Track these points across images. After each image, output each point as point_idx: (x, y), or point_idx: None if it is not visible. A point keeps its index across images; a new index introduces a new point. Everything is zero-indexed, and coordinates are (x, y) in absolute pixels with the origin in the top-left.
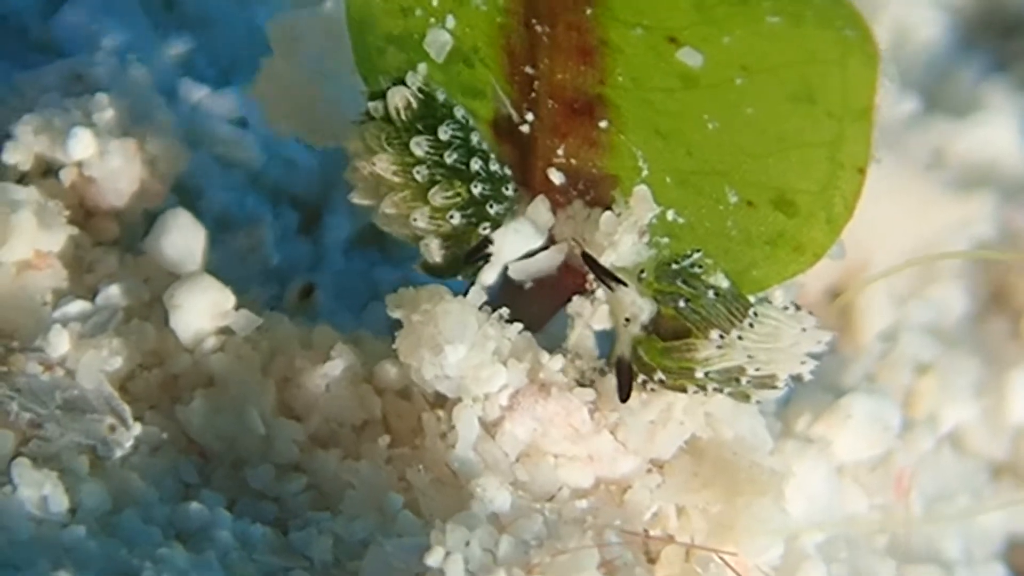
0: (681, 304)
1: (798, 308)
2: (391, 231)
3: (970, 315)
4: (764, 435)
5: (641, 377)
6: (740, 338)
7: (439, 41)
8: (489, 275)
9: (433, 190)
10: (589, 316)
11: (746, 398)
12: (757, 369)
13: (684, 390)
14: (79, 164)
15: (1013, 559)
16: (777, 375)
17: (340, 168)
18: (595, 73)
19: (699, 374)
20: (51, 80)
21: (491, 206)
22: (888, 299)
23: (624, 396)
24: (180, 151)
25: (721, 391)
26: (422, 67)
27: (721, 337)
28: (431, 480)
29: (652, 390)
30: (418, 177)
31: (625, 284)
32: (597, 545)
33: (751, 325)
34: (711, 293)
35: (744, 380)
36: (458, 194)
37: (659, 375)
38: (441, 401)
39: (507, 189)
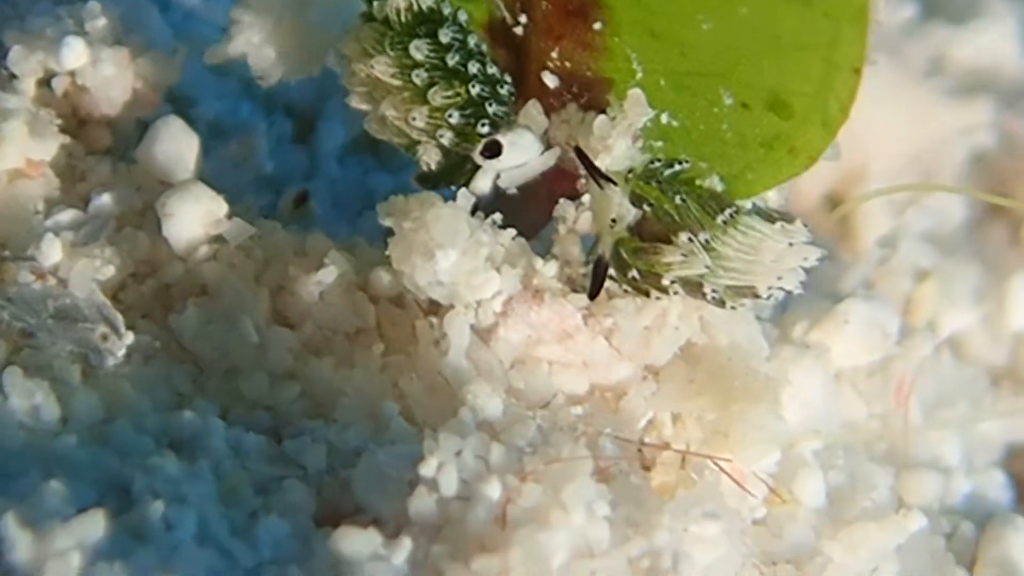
0: (646, 207)
1: (793, 220)
2: (384, 138)
3: (969, 222)
4: (760, 341)
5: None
6: (708, 242)
7: None
8: (483, 182)
9: (433, 90)
10: (573, 220)
11: (721, 304)
12: (732, 279)
13: (648, 294)
14: (71, 73)
15: (1013, 466)
16: (756, 287)
17: (334, 76)
18: None
19: (665, 281)
20: None
21: (489, 105)
22: (887, 206)
23: (594, 293)
24: (172, 60)
25: (694, 295)
26: None
27: (690, 240)
28: (424, 387)
29: (625, 291)
30: (417, 80)
31: (614, 183)
32: (591, 452)
33: (727, 229)
34: (679, 198)
35: (709, 290)
36: (457, 94)
37: (632, 273)
38: (435, 308)
39: (502, 88)
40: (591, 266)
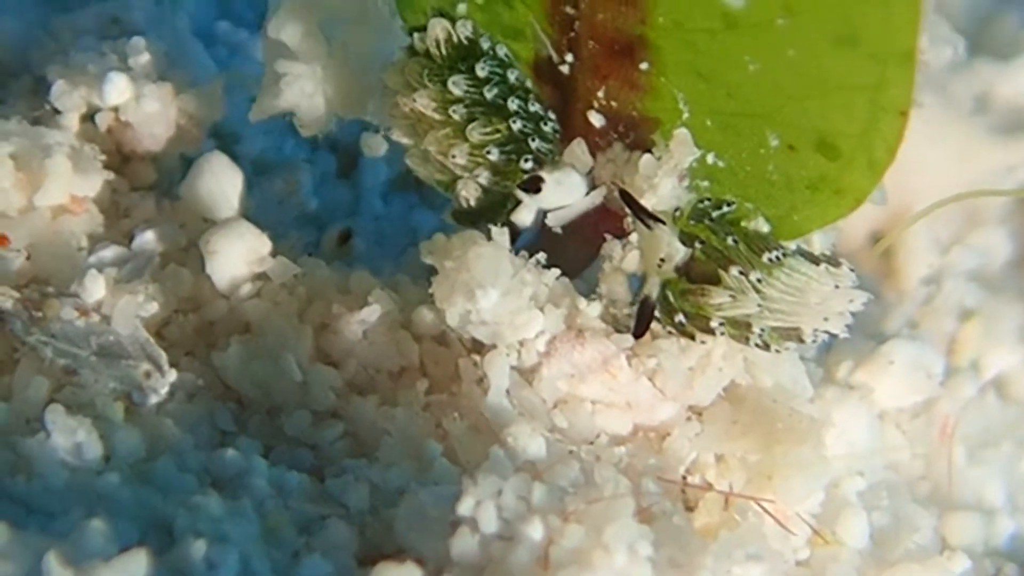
0: (698, 245)
1: (839, 264)
2: (423, 174)
3: (1014, 261)
4: (804, 382)
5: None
6: (760, 282)
7: None
8: (524, 216)
9: (471, 126)
10: (620, 259)
11: (767, 347)
12: (778, 320)
13: (693, 337)
14: (115, 109)
15: None
16: (802, 328)
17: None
18: (636, 13)
19: (714, 323)
20: (88, 23)
21: (532, 140)
22: (931, 245)
23: (639, 333)
24: (217, 96)
25: (740, 340)
26: (462, 7)
27: (741, 274)
28: (467, 427)
29: (669, 332)
30: (456, 116)
31: (663, 222)
32: (634, 492)
33: (773, 271)
34: (731, 239)
35: (757, 332)
36: (497, 130)
37: (679, 318)
38: (479, 347)
39: (546, 125)
40: (637, 306)
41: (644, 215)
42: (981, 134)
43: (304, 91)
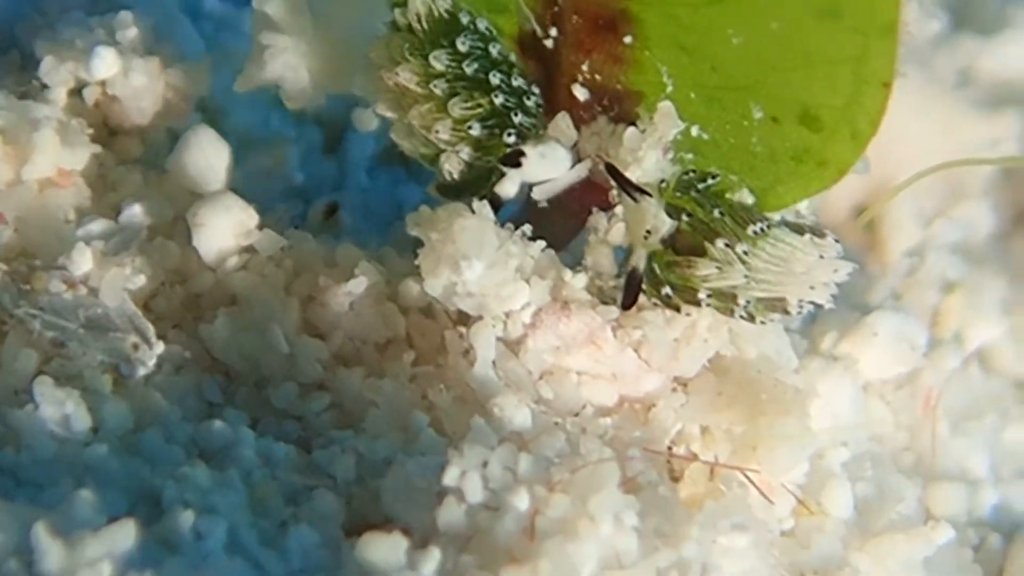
0: (685, 217)
1: (824, 234)
2: (408, 148)
3: (997, 233)
4: (789, 353)
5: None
6: (746, 254)
7: None
8: (507, 187)
9: (453, 101)
10: (605, 231)
11: (752, 318)
12: (764, 291)
13: (679, 310)
14: (102, 83)
15: None
16: (787, 299)
17: None
18: None
19: (701, 294)
20: None
21: (515, 115)
22: (915, 217)
23: (627, 305)
24: (203, 70)
25: (724, 312)
26: None
27: (727, 247)
28: (453, 399)
29: (655, 304)
30: (437, 90)
31: (649, 195)
32: (619, 462)
33: (758, 242)
34: (717, 211)
35: (743, 303)
36: (479, 105)
37: (665, 290)
38: (465, 319)
39: (529, 100)
40: (624, 278)
41: (630, 187)
42: (964, 108)
43: (288, 63)
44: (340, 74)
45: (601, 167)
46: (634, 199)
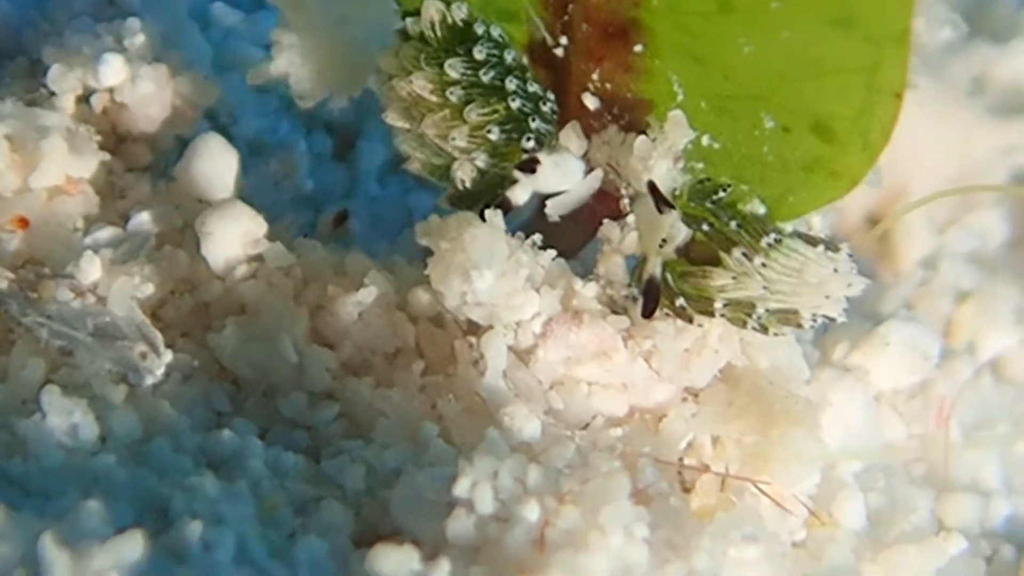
0: (705, 227)
1: (837, 248)
2: (417, 160)
3: (1010, 242)
4: (800, 364)
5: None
6: (764, 265)
7: None
8: (519, 194)
9: (469, 107)
10: (619, 241)
11: (764, 330)
12: (778, 302)
13: (691, 320)
14: (110, 90)
15: None
16: (799, 311)
17: (374, 94)
18: None
19: (717, 304)
20: (83, 5)
21: (532, 120)
22: (927, 226)
23: (648, 314)
24: (212, 78)
25: (737, 323)
26: None
27: (744, 257)
28: (463, 409)
29: (667, 314)
30: (453, 98)
31: (673, 207)
32: (630, 473)
33: (771, 253)
34: (734, 223)
35: (760, 313)
36: (495, 111)
37: (680, 301)
38: (474, 328)
39: (545, 105)
40: (643, 286)
41: (661, 201)
42: (978, 115)
43: (293, 61)
44: (351, 77)
45: (612, 176)
46: (661, 211)
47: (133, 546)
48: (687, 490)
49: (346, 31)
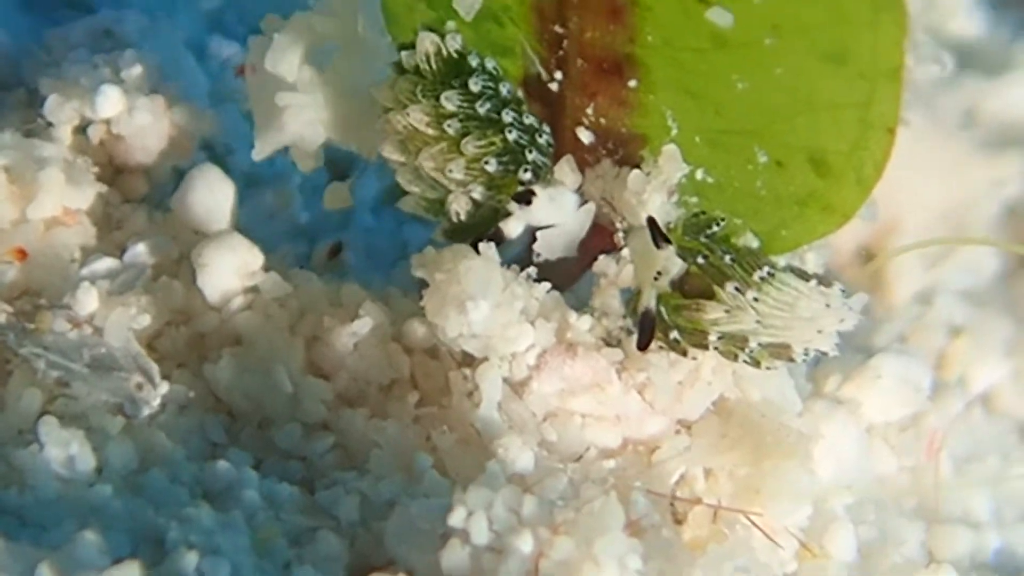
0: (700, 260)
1: (830, 284)
2: (412, 196)
3: (1002, 274)
4: (793, 396)
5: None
6: (756, 300)
7: (468, 1)
8: (513, 227)
9: (466, 140)
10: (615, 275)
11: (756, 364)
12: (771, 336)
13: (685, 354)
14: (107, 121)
15: None
16: (791, 345)
17: None
18: (625, 32)
19: (711, 337)
20: (80, 36)
21: (529, 151)
22: (919, 259)
23: (643, 346)
24: (208, 109)
25: (729, 356)
26: (451, 24)
27: (737, 291)
28: (456, 440)
29: (660, 347)
30: (450, 130)
31: (671, 243)
32: (623, 505)
33: (764, 287)
34: (728, 258)
35: (752, 347)
36: (492, 143)
37: (674, 334)
38: (469, 360)
39: (541, 137)
40: (638, 319)
41: (659, 236)
42: (969, 149)
43: (308, 121)
44: (351, 127)
45: (605, 210)
46: (659, 246)
47: None
48: (679, 522)
49: (344, 83)
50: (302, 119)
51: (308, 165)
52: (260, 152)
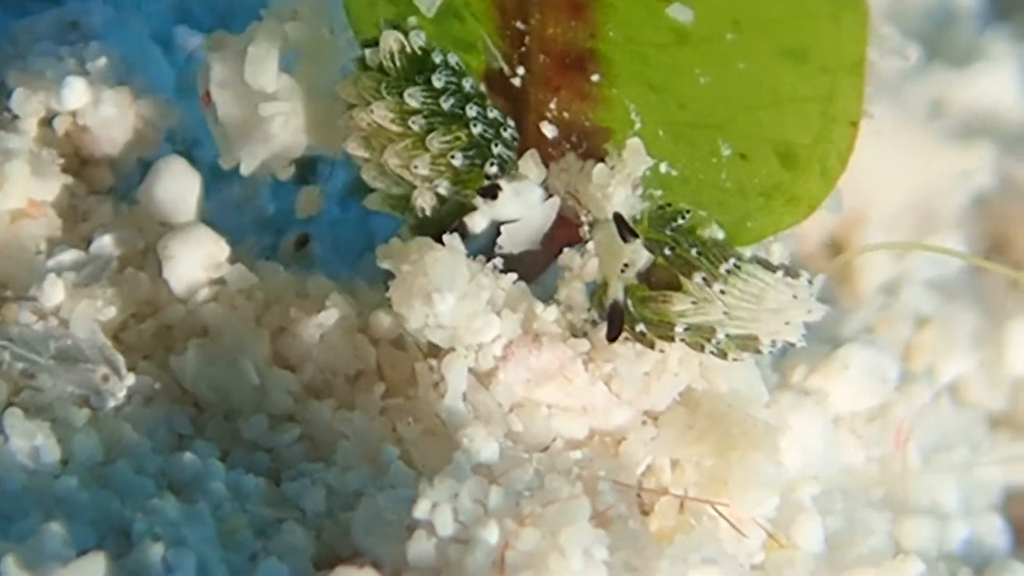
0: (667, 252)
1: (796, 275)
2: (379, 194)
3: (969, 266)
4: (760, 387)
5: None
6: (723, 292)
7: None
8: (477, 222)
9: (431, 135)
10: (580, 268)
11: (723, 355)
12: (737, 327)
13: (652, 346)
14: (73, 113)
15: (1011, 511)
16: (758, 337)
17: None
18: (586, 28)
19: (678, 328)
20: (46, 27)
21: (495, 145)
22: (887, 252)
23: (613, 337)
24: (174, 101)
25: (696, 348)
26: (412, 20)
27: (704, 282)
28: (422, 431)
29: (626, 339)
30: (415, 127)
31: (638, 236)
32: (589, 495)
33: (731, 279)
34: (694, 250)
35: (720, 338)
36: (457, 138)
37: (640, 327)
38: (435, 351)
39: (506, 131)
40: (607, 311)
41: (626, 230)
42: (936, 139)
43: (295, 128)
44: (324, 131)
45: (570, 203)
46: (626, 240)
47: (95, 568)
48: (646, 513)
49: (312, 88)
50: (290, 127)
51: (287, 172)
52: (248, 167)
